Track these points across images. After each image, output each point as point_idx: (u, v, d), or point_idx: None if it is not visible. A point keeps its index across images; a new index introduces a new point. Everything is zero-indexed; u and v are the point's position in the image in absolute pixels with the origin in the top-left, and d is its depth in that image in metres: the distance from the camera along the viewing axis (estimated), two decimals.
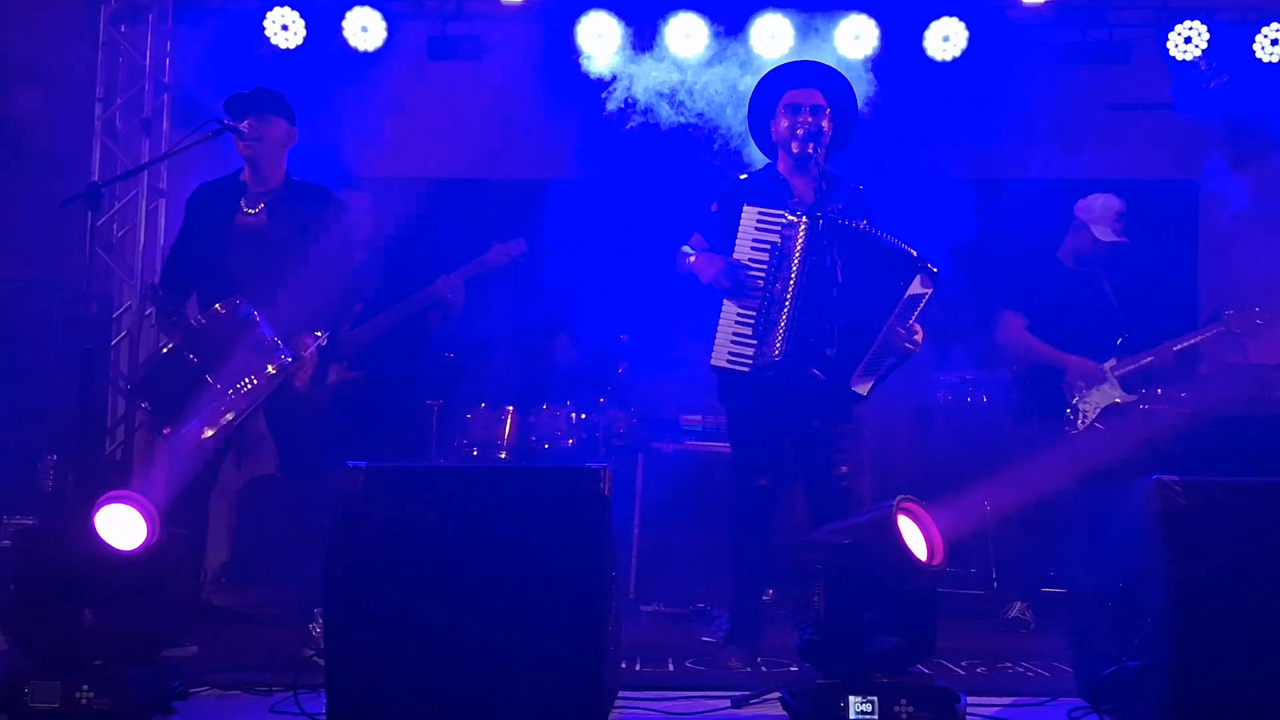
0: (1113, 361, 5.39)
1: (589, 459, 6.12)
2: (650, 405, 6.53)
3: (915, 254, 4.14)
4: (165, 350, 4.04)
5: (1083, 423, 5.33)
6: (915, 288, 4.12)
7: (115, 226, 6.59)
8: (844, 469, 4.33)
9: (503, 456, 6.14)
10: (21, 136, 6.18)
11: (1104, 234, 5.44)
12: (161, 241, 6.61)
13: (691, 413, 6.38)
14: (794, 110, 4.35)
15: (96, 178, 6.41)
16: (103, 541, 3.19)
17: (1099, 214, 5.47)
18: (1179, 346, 5.44)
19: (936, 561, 3.23)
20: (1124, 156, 6.86)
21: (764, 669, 4.21)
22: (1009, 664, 4.38)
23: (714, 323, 4.38)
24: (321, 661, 3.81)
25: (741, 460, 4.45)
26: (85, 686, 3.15)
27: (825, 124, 4.32)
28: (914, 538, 3.22)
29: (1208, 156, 7.03)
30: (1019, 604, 5.42)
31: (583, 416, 6.22)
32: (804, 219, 4.14)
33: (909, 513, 3.26)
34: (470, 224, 6.44)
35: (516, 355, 6.69)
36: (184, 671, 3.59)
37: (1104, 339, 5.45)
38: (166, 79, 6.67)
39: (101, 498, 3.24)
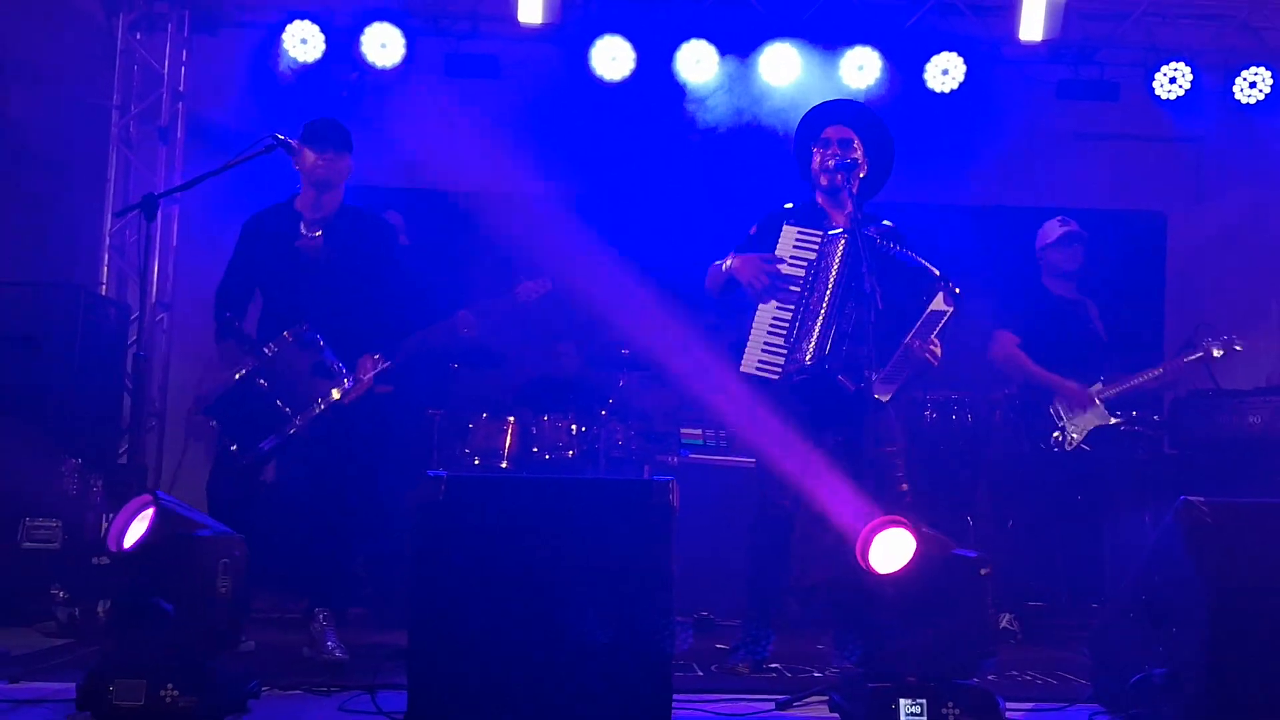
0: (1099, 385, 5.65)
1: (589, 471, 6.26)
2: (648, 418, 6.67)
3: (939, 273, 4.30)
4: (239, 376, 4.22)
5: (1070, 444, 5.59)
6: (937, 304, 4.26)
7: (127, 232, 6.65)
8: (904, 486, 4.44)
9: (503, 466, 6.21)
10: (35, 142, 6.21)
11: (1051, 232, 5.78)
12: (175, 251, 6.68)
13: (691, 426, 6.49)
14: (825, 144, 4.53)
15: (112, 185, 6.49)
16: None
17: (1045, 230, 5.85)
18: (1159, 372, 5.71)
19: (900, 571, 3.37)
20: (1106, 187, 7.20)
21: (787, 674, 4.40)
22: (1015, 672, 4.57)
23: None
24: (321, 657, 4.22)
25: (766, 476, 4.50)
26: (170, 685, 3.21)
27: (859, 156, 4.49)
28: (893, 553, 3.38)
29: (1181, 188, 7.41)
30: (1007, 615, 5.61)
31: (583, 429, 6.30)
32: (844, 233, 4.33)
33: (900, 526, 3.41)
34: (481, 238, 6.53)
35: (518, 366, 6.82)
36: (254, 670, 3.68)
37: (1088, 367, 5.68)
38: (181, 88, 6.74)
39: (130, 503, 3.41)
